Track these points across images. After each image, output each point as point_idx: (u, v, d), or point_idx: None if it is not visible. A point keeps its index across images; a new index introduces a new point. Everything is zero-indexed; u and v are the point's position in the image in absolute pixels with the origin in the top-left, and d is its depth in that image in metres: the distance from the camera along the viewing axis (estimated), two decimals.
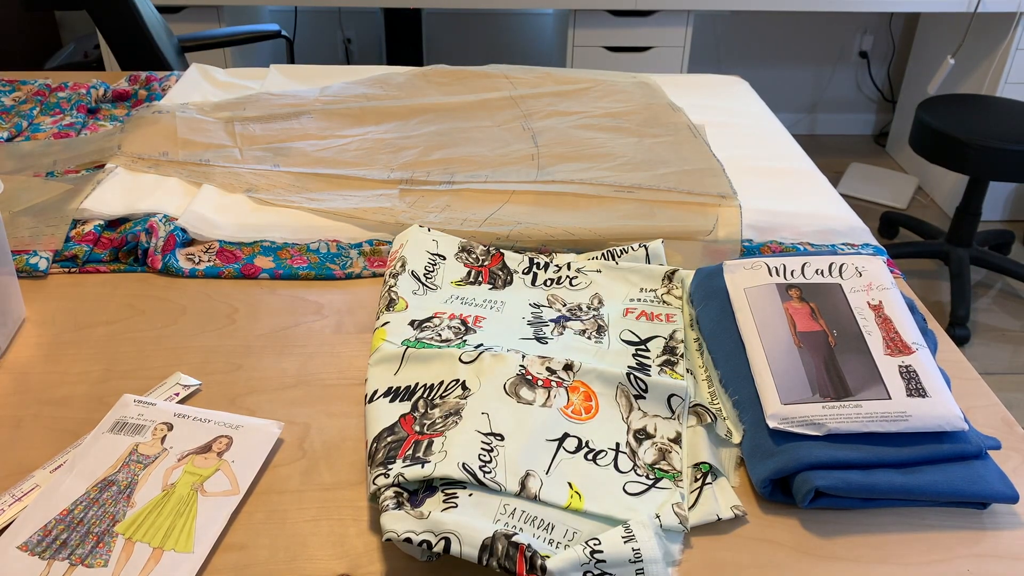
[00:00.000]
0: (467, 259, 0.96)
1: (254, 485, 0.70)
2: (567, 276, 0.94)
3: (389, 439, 0.69)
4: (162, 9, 2.64)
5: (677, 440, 0.72)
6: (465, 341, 0.81)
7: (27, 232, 1.03)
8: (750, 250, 1.03)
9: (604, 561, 0.59)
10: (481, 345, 0.80)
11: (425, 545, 0.60)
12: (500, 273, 0.94)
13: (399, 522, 0.61)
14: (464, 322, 0.85)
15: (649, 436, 0.72)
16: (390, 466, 0.66)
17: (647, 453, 0.71)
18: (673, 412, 0.74)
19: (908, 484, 0.67)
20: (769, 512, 0.68)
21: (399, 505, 0.63)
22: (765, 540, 0.66)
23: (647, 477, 0.69)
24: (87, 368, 0.83)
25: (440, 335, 0.82)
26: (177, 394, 0.79)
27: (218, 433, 0.73)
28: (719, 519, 0.66)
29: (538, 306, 0.89)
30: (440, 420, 0.71)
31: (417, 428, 0.70)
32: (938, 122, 2.39)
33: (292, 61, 3.05)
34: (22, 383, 0.81)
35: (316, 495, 0.69)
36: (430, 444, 0.68)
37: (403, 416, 0.72)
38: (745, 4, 2.70)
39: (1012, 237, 2.80)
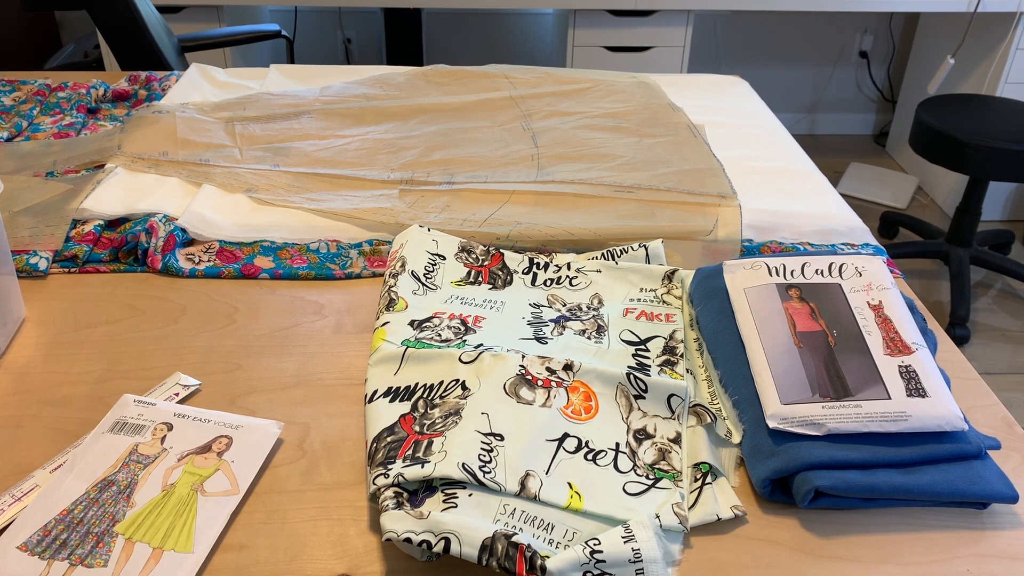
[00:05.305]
0: (467, 259, 0.96)
1: (254, 485, 0.70)
2: (567, 276, 0.94)
3: (389, 439, 0.69)
4: (162, 9, 2.64)
5: (677, 440, 0.72)
6: (465, 341, 0.81)
7: (27, 232, 1.03)
8: (750, 250, 1.03)
9: (604, 561, 0.59)
10: (481, 345, 0.80)
11: (425, 545, 0.60)
12: (500, 273, 0.94)
13: (399, 522, 0.61)
14: (464, 322, 0.85)
15: (649, 436, 0.72)
16: (390, 466, 0.66)
17: (647, 453, 0.71)
18: (673, 412, 0.74)
19: (908, 484, 0.67)
20: (769, 512, 0.68)
21: (399, 505, 0.63)
22: (765, 540, 0.66)
23: (647, 477, 0.69)
24: (87, 368, 0.83)
25: (440, 335, 0.82)
26: (177, 394, 0.79)
27: (218, 433, 0.73)
28: (719, 519, 0.66)
29: (538, 306, 0.89)
30: (440, 420, 0.71)
31: (417, 428, 0.70)
32: (938, 122, 2.39)
33: (292, 61, 3.05)
34: (22, 383, 0.81)
35: (316, 495, 0.69)
36: (430, 444, 0.68)
37: (403, 416, 0.72)
38: (745, 4, 2.69)
39: (1012, 237, 2.80)
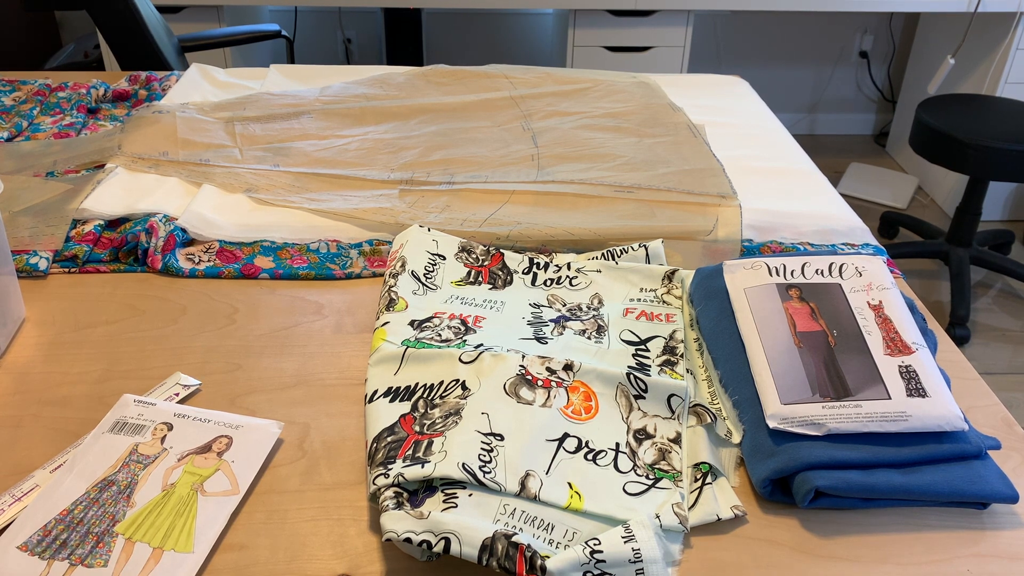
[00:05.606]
0: (467, 259, 0.96)
1: (254, 485, 0.70)
2: (567, 276, 0.94)
3: (389, 439, 0.69)
4: (162, 9, 2.64)
5: (677, 440, 0.72)
6: (465, 341, 0.81)
7: (27, 232, 1.03)
8: (750, 250, 1.03)
9: (604, 561, 0.59)
10: (481, 345, 0.80)
11: (425, 545, 0.60)
12: (500, 273, 0.94)
13: (399, 522, 0.61)
14: (464, 322, 0.85)
15: (649, 436, 0.72)
16: (390, 466, 0.66)
17: (647, 453, 0.71)
18: (673, 412, 0.74)
19: (908, 484, 0.67)
20: (769, 512, 0.68)
21: (399, 505, 0.63)
22: (765, 540, 0.66)
23: (647, 477, 0.69)
24: (87, 368, 0.83)
25: (440, 335, 0.82)
26: (177, 394, 0.79)
27: (218, 433, 0.73)
28: (719, 519, 0.66)
29: (538, 306, 0.89)
30: (440, 420, 0.71)
31: (417, 428, 0.70)
32: (938, 122, 2.39)
33: (292, 61, 3.05)
34: (22, 383, 0.81)
35: (316, 495, 0.69)
36: (430, 444, 0.68)
37: (403, 416, 0.72)
38: (745, 4, 2.69)
39: (1012, 237, 2.80)
